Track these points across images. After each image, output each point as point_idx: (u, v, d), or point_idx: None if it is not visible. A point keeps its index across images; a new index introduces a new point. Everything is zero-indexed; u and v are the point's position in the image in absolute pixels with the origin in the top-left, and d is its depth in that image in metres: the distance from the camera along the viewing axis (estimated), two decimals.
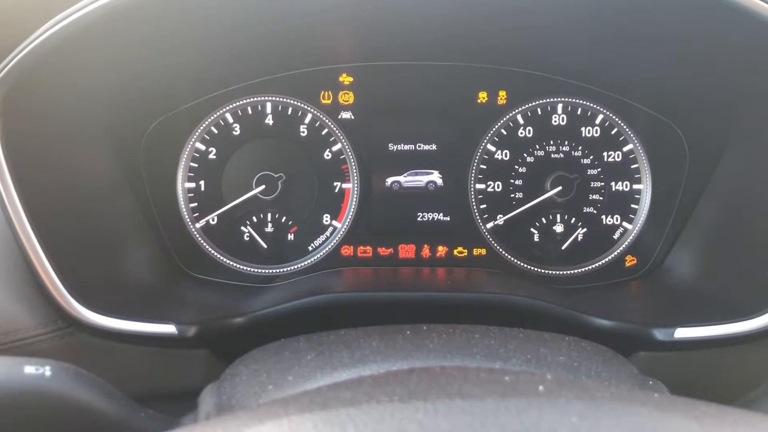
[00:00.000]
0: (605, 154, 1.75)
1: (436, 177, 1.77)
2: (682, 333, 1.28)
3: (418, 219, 1.78)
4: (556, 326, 1.27)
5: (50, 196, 1.30)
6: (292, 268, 1.76)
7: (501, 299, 1.40)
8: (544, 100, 1.75)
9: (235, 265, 1.75)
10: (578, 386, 0.67)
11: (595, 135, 1.75)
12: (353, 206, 1.77)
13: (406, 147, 1.77)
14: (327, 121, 1.75)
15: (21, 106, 1.24)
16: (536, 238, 1.77)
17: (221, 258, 1.75)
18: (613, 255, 1.76)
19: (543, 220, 1.76)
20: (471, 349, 0.91)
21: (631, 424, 0.58)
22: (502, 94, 1.75)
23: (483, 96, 1.76)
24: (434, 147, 1.77)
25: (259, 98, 1.74)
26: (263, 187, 1.72)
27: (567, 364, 0.92)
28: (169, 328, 1.28)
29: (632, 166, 1.75)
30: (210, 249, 1.75)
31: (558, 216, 1.76)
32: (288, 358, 0.97)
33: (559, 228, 1.76)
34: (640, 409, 0.61)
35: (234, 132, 1.74)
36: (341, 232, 1.77)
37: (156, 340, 1.28)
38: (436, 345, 0.92)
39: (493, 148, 1.76)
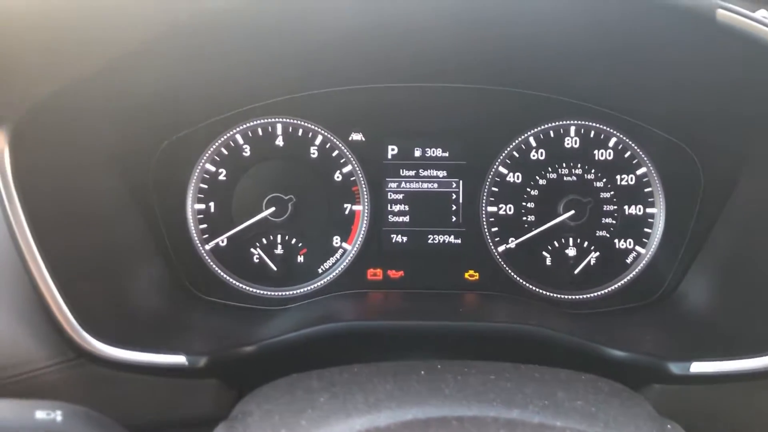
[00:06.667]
0: (618, 177, 1.73)
1: (447, 199, 1.76)
2: (698, 367, 1.26)
3: (429, 242, 1.77)
4: (568, 356, 1.26)
5: (60, 224, 1.29)
6: (302, 290, 1.75)
7: (513, 329, 1.38)
8: (557, 123, 1.74)
9: (244, 287, 1.74)
10: None
11: (608, 158, 1.73)
12: (364, 228, 1.75)
13: (417, 169, 1.76)
14: (337, 142, 1.74)
15: (31, 132, 1.23)
16: (548, 262, 1.75)
17: (231, 280, 1.74)
18: (626, 280, 1.74)
19: (555, 243, 1.75)
20: (487, 394, 0.90)
21: None
22: None
23: None
24: (445, 169, 1.76)
25: (269, 120, 1.73)
26: (273, 209, 1.71)
27: (584, 410, 0.90)
28: (179, 359, 1.27)
29: (645, 190, 1.73)
30: (219, 271, 1.74)
31: (570, 240, 1.74)
32: (301, 399, 0.96)
33: (571, 252, 1.74)
34: None
35: (244, 153, 1.73)
36: (351, 255, 1.75)
37: (166, 371, 1.27)
38: (451, 390, 0.91)
39: (505, 171, 1.75)
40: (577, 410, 0.89)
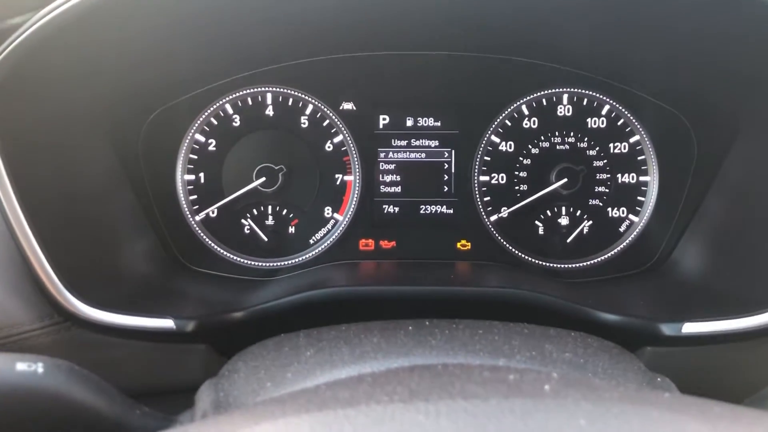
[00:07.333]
0: (611, 145, 1.72)
1: (439, 169, 1.74)
2: (690, 328, 1.25)
3: (421, 212, 1.75)
4: (560, 321, 1.25)
5: (46, 188, 1.28)
6: (293, 261, 1.74)
7: (505, 294, 1.38)
8: (550, 91, 1.72)
9: (235, 258, 1.73)
10: (586, 386, 0.64)
11: (602, 126, 1.72)
12: (355, 199, 1.74)
13: (409, 139, 1.74)
14: (328, 112, 1.72)
15: (16, 98, 1.22)
16: (541, 231, 1.74)
17: (221, 251, 1.73)
18: (619, 248, 1.73)
19: (548, 212, 1.74)
20: (474, 345, 0.89)
21: (642, 426, 0.56)
22: None
23: None
24: (437, 139, 1.74)
25: (259, 89, 1.71)
26: (264, 179, 1.70)
27: (573, 361, 0.89)
28: (167, 323, 1.26)
29: (639, 158, 1.72)
30: (210, 242, 1.72)
31: (563, 208, 1.73)
32: (287, 354, 0.95)
33: (564, 221, 1.73)
34: (651, 411, 0.58)
35: (234, 123, 1.71)
36: (343, 225, 1.74)
37: (154, 335, 1.26)
38: (438, 341, 0.90)
39: (497, 140, 1.73)
40: (566, 361, 0.89)
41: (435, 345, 0.89)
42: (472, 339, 0.91)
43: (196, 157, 1.71)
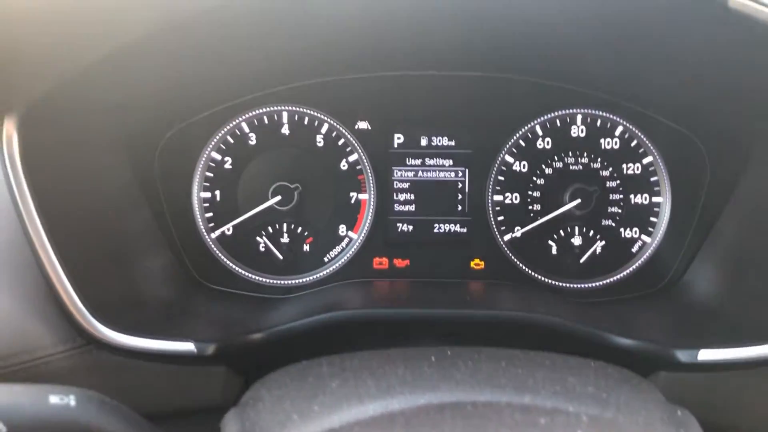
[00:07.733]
0: (624, 166, 1.73)
1: (453, 188, 1.76)
2: (705, 355, 1.26)
3: (435, 231, 1.77)
4: (575, 344, 1.26)
5: (68, 211, 1.29)
6: (308, 279, 1.75)
7: (520, 317, 1.39)
8: (563, 111, 1.73)
9: (250, 275, 1.74)
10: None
11: (615, 147, 1.73)
12: (369, 217, 1.75)
13: (423, 158, 1.76)
14: (344, 131, 1.73)
15: (39, 120, 1.23)
16: (554, 251, 1.75)
17: (236, 269, 1.74)
18: (631, 269, 1.74)
19: (561, 232, 1.75)
20: (499, 379, 0.90)
21: None
22: None
23: None
24: (451, 158, 1.75)
25: (275, 108, 1.73)
26: (279, 197, 1.71)
27: (596, 396, 0.90)
28: (188, 346, 1.27)
29: (652, 179, 1.73)
30: (225, 260, 1.74)
31: (576, 228, 1.74)
32: (312, 384, 0.96)
33: (577, 241, 1.74)
34: None
35: (250, 142, 1.73)
36: (357, 244, 1.75)
37: (175, 358, 1.27)
38: (463, 375, 0.91)
39: (511, 160, 1.75)
40: (589, 396, 0.90)
41: (460, 379, 0.90)
42: (496, 372, 0.92)
43: (212, 175, 1.73)
